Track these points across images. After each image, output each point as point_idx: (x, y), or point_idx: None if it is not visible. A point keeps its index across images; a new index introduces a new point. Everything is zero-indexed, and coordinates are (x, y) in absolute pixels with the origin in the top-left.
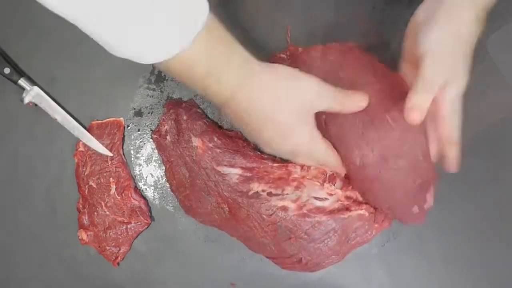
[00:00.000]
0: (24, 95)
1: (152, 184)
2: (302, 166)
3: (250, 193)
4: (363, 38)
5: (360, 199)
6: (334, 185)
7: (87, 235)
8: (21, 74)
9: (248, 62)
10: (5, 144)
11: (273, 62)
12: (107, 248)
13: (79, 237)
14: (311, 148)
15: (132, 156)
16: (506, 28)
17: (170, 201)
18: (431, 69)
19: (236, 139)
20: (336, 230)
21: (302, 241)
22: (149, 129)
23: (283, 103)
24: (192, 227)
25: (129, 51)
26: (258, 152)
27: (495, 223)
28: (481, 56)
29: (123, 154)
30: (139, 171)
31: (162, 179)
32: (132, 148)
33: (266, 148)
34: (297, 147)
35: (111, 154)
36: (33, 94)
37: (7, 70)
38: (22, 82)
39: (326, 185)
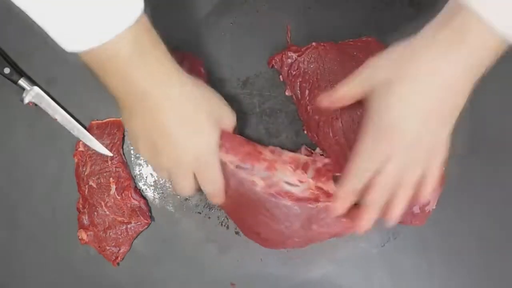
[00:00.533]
0: (24, 95)
1: (152, 184)
2: (272, 151)
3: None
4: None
5: (331, 191)
6: (306, 173)
7: (87, 235)
8: (21, 74)
9: (166, 67)
10: (5, 144)
11: (280, 61)
12: (107, 248)
13: (79, 237)
14: (207, 162)
15: (132, 156)
16: None
17: (170, 201)
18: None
19: None
20: (300, 216)
21: (264, 217)
22: None
23: (193, 112)
24: (192, 227)
25: (65, 36)
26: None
27: (495, 223)
28: None
29: (123, 154)
30: (139, 171)
31: (162, 179)
32: (132, 148)
33: (155, 158)
34: (198, 153)
35: (111, 154)
36: (33, 94)
37: (7, 70)
38: (22, 82)
39: (298, 171)
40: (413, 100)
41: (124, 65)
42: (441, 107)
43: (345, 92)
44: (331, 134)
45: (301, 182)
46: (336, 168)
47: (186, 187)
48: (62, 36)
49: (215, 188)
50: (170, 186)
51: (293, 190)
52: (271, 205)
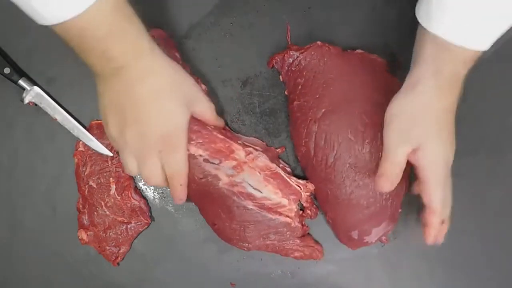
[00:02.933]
0: (24, 95)
1: None
2: (247, 153)
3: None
4: (363, 39)
5: (293, 212)
6: (273, 185)
7: (87, 235)
8: (21, 74)
9: (143, 43)
10: (5, 144)
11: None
12: (107, 248)
13: (79, 237)
14: (173, 143)
15: None
16: None
17: (170, 201)
18: (388, 136)
19: None
20: (257, 223)
21: (222, 213)
22: None
23: (167, 90)
24: (192, 227)
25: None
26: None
27: (495, 223)
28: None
29: None
30: None
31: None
32: None
33: (126, 134)
34: (165, 133)
35: (111, 154)
36: (33, 94)
37: (7, 70)
38: (22, 82)
39: (268, 184)
40: (441, 150)
41: (101, 39)
42: (451, 129)
43: (392, 165)
44: (303, 135)
45: (265, 190)
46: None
47: (152, 171)
48: (41, 7)
49: (179, 171)
50: (141, 176)
51: (256, 194)
52: (231, 203)
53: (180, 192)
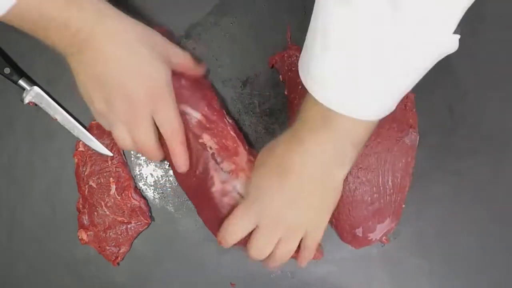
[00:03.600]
0: (24, 95)
1: (152, 184)
2: (249, 161)
3: (200, 140)
4: None
5: None
6: None
7: (87, 235)
8: (21, 74)
9: (103, 6)
10: (5, 144)
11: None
12: (107, 248)
13: (79, 237)
14: (161, 98)
15: (132, 156)
16: None
17: (170, 201)
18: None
19: (206, 90)
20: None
21: (212, 217)
22: None
23: (140, 47)
24: (192, 227)
25: None
26: (224, 112)
27: (495, 223)
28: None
29: (123, 154)
30: (139, 171)
31: (162, 179)
32: None
33: (99, 102)
34: (149, 96)
35: (111, 154)
36: (33, 94)
37: (7, 70)
38: (22, 82)
39: None
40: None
41: (59, 11)
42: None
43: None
44: None
45: None
46: None
47: (147, 136)
48: None
49: (176, 127)
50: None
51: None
52: (219, 213)
53: (182, 153)
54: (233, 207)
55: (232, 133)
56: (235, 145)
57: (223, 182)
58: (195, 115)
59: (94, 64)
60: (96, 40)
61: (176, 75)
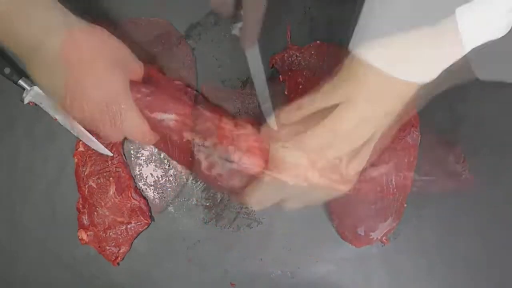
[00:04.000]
0: (24, 95)
1: (152, 184)
2: (235, 124)
3: (184, 140)
4: None
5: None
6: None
7: (87, 235)
8: (21, 74)
9: (52, 18)
10: (5, 144)
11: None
12: (107, 248)
13: (79, 237)
14: (121, 111)
15: (132, 156)
16: None
17: (170, 201)
18: None
19: (169, 88)
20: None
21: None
22: None
23: (99, 53)
24: (192, 227)
25: None
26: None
27: (495, 223)
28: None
29: (123, 154)
30: (139, 171)
31: (162, 179)
32: (132, 148)
33: (75, 108)
34: (109, 101)
35: (111, 154)
36: (33, 94)
37: (7, 70)
38: (22, 82)
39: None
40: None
41: (7, 22)
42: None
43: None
44: None
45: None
46: None
47: (137, 127)
48: None
49: (140, 131)
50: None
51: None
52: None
53: (149, 143)
54: (227, 176)
55: (208, 114)
56: (215, 122)
57: (207, 157)
58: (170, 118)
59: (53, 75)
60: (54, 43)
61: (136, 85)
